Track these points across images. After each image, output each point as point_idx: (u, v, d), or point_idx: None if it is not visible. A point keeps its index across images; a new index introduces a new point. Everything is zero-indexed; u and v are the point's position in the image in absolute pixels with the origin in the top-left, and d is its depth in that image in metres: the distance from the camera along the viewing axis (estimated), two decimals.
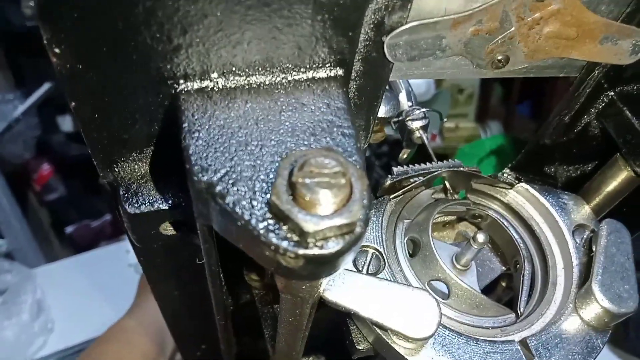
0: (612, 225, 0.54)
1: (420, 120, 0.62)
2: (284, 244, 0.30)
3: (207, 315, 0.58)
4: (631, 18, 0.45)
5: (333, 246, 0.30)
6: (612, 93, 0.54)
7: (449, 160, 0.61)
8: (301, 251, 0.30)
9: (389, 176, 0.58)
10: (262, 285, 0.60)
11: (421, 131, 0.62)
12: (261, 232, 0.30)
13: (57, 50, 0.31)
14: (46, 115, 2.58)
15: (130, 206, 0.41)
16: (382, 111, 0.59)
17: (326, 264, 0.31)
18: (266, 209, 0.31)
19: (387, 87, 0.64)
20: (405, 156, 0.69)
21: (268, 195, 0.31)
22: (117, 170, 0.40)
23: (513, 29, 0.42)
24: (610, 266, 0.51)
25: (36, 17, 0.29)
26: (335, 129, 0.35)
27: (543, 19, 0.43)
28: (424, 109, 0.62)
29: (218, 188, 0.31)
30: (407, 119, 0.62)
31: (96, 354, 0.96)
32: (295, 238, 0.30)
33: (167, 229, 0.43)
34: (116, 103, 0.35)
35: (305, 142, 0.34)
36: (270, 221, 0.30)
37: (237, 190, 0.31)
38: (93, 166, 0.40)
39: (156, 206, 0.41)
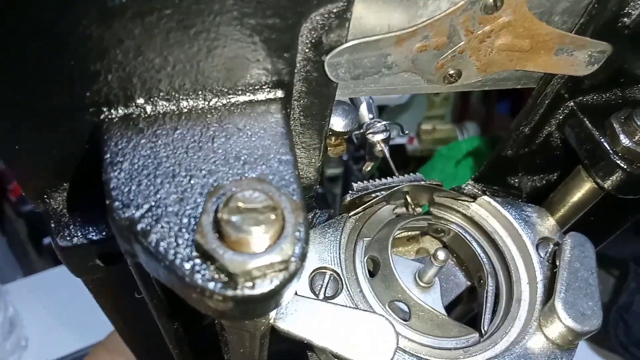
0: (576, 239, 0.53)
1: (381, 133, 0.60)
2: (211, 285, 0.28)
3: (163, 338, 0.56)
4: (585, 29, 0.44)
5: (265, 285, 0.28)
6: (572, 103, 0.53)
7: (410, 174, 0.59)
8: (230, 292, 0.28)
9: (349, 192, 0.56)
10: None
11: (382, 144, 0.61)
12: (186, 272, 0.28)
13: None
14: None
15: (61, 239, 0.38)
16: (341, 125, 0.57)
17: (260, 304, 0.29)
18: (193, 247, 0.29)
19: (347, 100, 0.62)
20: (368, 169, 0.68)
21: (195, 233, 0.29)
22: (47, 200, 0.38)
23: (462, 42, 0.41)
24: (574, 282, 0.50)
25: None
26: (272, 155, 0.33)
27: (494, 31, 0.41)
28: (384, 122, 0.60)
29: (140, 225, 0.29)
30: (368, 132, 0.61)
31: None
32: (224, 279, 0.28)
33: (102, 262, 0.40)
34: (37, 132, 0.33)
35: (239, 171, 0.32)
36: (197, 261, 0.28)
37: (162, 227, 0.29)
38: None
39: (89, 238, 0.38)
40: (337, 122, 0.58)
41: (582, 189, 0.56)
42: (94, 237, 0.38)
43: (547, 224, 0.57)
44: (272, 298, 0.29)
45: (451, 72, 0.44)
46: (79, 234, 0.38)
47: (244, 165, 0.32)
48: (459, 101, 2.34)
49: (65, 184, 0.37)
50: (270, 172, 0.32)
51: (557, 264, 0.53)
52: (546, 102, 0.53)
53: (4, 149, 0.34)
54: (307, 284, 0.50)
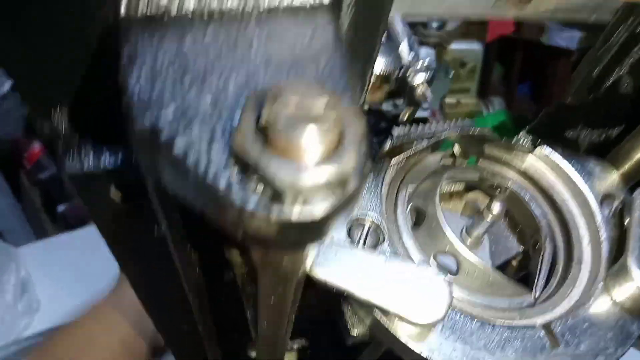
0: None
1: (424, 72, 0.53)
2: (252, 203, 0.22)
3: (184, 293, 0.51)
4: None
5: (319, 205, 0.22)
6: None
7: (458, 120, 0.53)
8: (275, 213, 0.22)
9: (389, 137, 0.50)
10: (245, 262, 0.53)
11: (424, 86, 0.54)
12: (221, 186, 0.22)
13: None
14: None
15: (71, 165, 0.33)
16: (381, 64, 0.51)
17: (310, 229, 0.23)
18: (229, 157, 0.23)
19: (386, 36, 0.56)
20: (406, 116, 0.61)
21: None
22: (55, 118, 0.33)
23: None
24: None
25: None
26: (322, 62, 0.27)
27: None
28: (427, 58, 0.54)
29: (164, 132, 0.24)
30: (408, 72, 0.54)
31: (69, 336, 0.89)
32: (268, 195, 0.22)
33: (119, 195, 0.35)
34: (42, 28, 0.28)
35: (283, 77, 0.26)
36: (235, 173, 0.23)
37: (191, 134, 0.24)
38: None
39: (104, 163, 0.33)
40: (377, 62, 0.52)
41: None
42: (109, 163, 0.33)
43: (612, 180, 0.51)
44: (325, 223, 0.23)
45: None
46: (92, 158, 0.33)
47: (289, 70, 0.27)
48: (481, 78, 2.26)
49: (76, 100, 0.32)
50: (321, 80, 0.27)
51: (625, 222, 0.47)
52: (620, 39, 0.46)
53: (3, 54, 0.28)
54: (345, 232, 0.44)
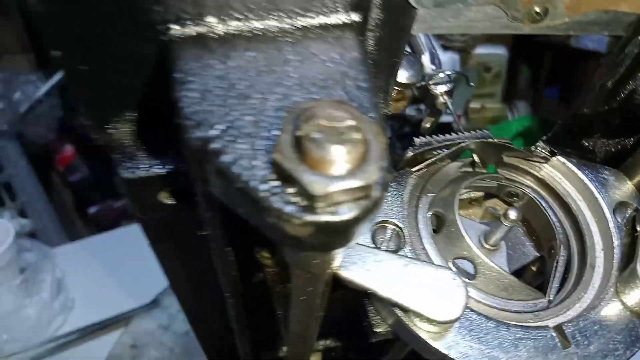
0: None
1: (445, 84, 0.56)
2: (290, 208, 0.26)
3: (219, 292, 0.55)
4: None
5: (346, 212, 0.26)
6: None
7: (477, 130, 0.56)
8: (309, 217, 0.26)
9: (410, 147, 0.53)
10: (275, 263, 0.56)
11: (446, 97, 0.57)
12: (263, 195, 0.26)
13: None
14: (68, 96, 2.57)
15: (126, 171, 0.37)
16: (404, 76, 0.54)
17: (339, 233, 0.27)
18: (269, 169, 0.27)
19: (409, 50, 0.59)
20: (428, 125, 0.64)
21: (271, 154, 0.27)
22: (111, 131, 0.37)
23: None
24: None
25: None
26: (349, 82, 0.31)
27: None
28: (448, 72, 0.57)
29: (214, 145, 0.27)
30: (431, 83, 0.57)
31: None
32: (303, 202, 0.26)
33: (168, 197, 0.39)
34: (103, 51, 0.32)
35: (315, 96, 0.30)
36: (274, 183, 0.26)
37: (236, 148, 0.27)
38: None
39: (154, 171, 0.37)
40: (401, 74, 0.55)
41: None
42: (160, 170, 0.37)
43: (625, 188, 0.53)
44: (352, 228, 0.27)
45: (537, 9, 0.40)
46: (144, 166, 0.37)
47: (320, 90, 0.30)
48: (506, 82, 2.26)
49: (129, 113, 0.36)
50: (348, 98, 0.30)
51: (638, 229, 0.49)
52: (635, 52, 0.48)
53: (68, 67, 0.32)
54: (369, 237, 0.48)
